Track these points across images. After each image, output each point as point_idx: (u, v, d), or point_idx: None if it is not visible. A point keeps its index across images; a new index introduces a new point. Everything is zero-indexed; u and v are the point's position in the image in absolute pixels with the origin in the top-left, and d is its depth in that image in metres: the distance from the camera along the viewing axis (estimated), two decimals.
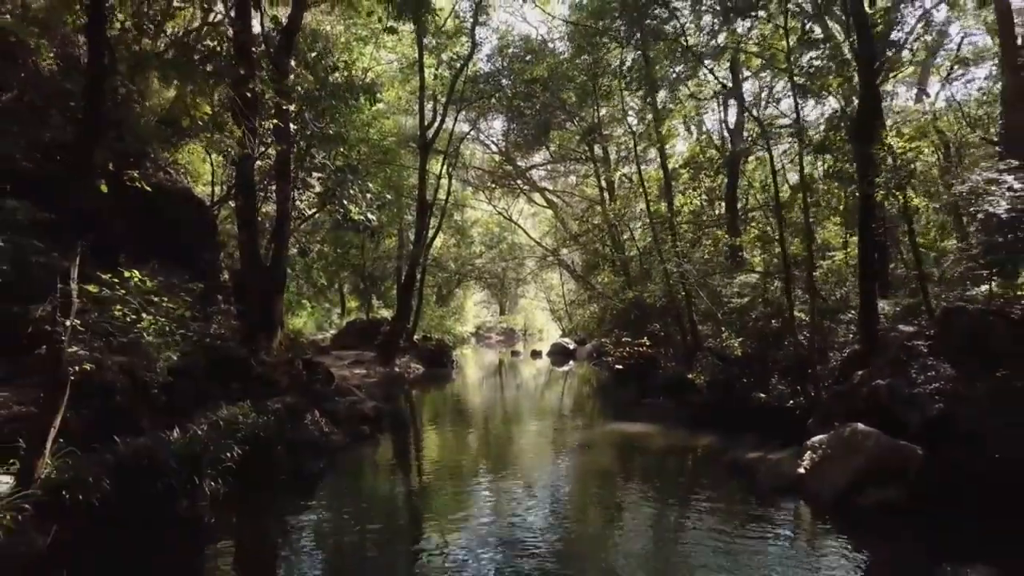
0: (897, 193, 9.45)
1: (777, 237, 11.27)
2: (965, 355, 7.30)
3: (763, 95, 19.30)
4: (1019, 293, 8.51)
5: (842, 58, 10.94)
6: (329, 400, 10.31)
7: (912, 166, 10.27)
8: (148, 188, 6.89)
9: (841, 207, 13.23)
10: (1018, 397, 6.46)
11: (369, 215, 12.71)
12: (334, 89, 12.80)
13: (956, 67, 18.27)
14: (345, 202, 11.99)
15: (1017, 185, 7.31)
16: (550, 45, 22.80)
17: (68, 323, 4.98)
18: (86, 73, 4.72)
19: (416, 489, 8.18)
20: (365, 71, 18.11)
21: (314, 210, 16.70)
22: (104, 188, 5.46)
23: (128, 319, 6.19)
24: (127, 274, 6.13)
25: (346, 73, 12.36)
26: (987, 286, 8.95)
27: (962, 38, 19.30)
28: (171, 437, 6.66)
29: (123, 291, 6.05)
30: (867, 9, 10.38)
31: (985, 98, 17.39)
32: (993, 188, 7.44)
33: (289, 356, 10.37)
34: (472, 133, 26.61)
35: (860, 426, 6.97)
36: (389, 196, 17.10)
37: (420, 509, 7.27)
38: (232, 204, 16.83)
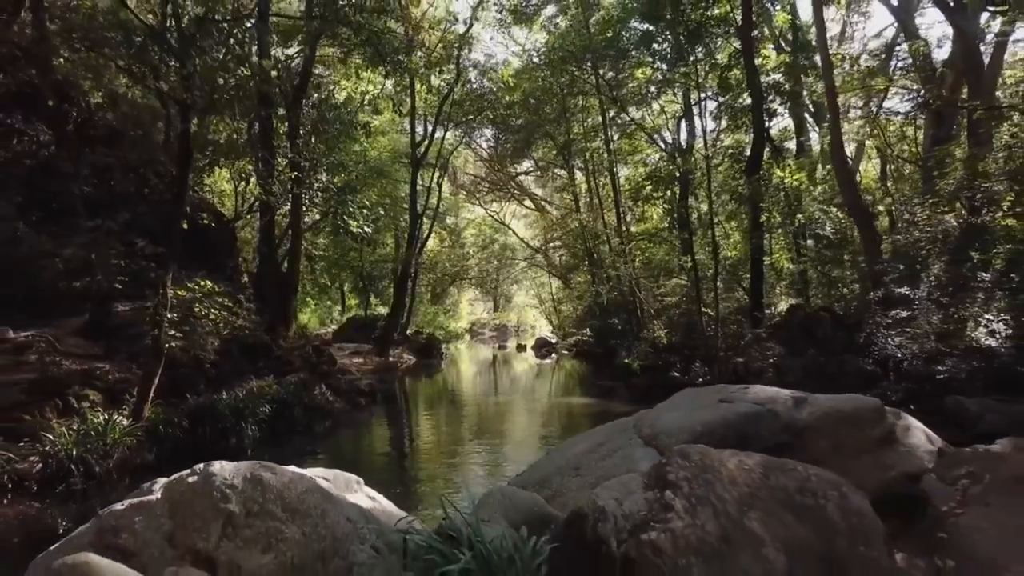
0: (775, 213, 12.16)
1: (696, 246, 14.00)
2: (796, 340, 10.02)
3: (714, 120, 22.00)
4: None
5: (743, 104, 13.66)
6: (332, 377, 13.02)
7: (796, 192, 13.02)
8: (212, 224, 9.61)
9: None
10: (819, 369, 9.18)
11: (366, 228, 15.38)
12: (336, 118, 15.52)
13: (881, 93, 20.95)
14: (346, 218, 14.67)
15: (840, 214, 9.98)
16: (532, 63, 25.40)
17: (167, 315, 7.67)
18: (177, 158, 7.35)
19: (402, 437, 10.93)
20: (364, 93, 20.82)
21: (317, 217, 19.43)
22: (185, 226, 8.17)
23: (203, 313, 8.91)
24: (202, 283, 8.86)
25: (347, 111, 15.09)
26: (845, 289, 11.68)
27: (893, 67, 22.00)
28: (222, 397, 9.39)
29: (200, 294, 8.78)
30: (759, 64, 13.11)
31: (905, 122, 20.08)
32: (822, 216, 10.14)
33: (301, 343, 13.09)
34: (464, 142, 29.25)
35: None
36: (382, 211, 19.80)
37: (404, 448, 10.02)
38: (247, 217, 19.64)
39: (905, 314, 9.64)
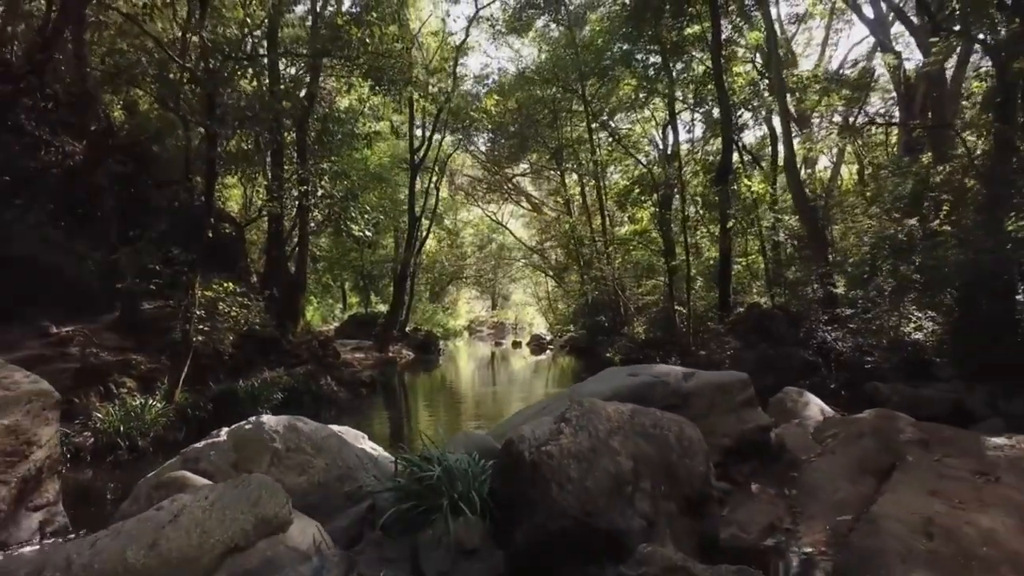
0: (742, 220, 13.34)
1: (676, 250, 15.17)
2: (752, 335, 11.20)
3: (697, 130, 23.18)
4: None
5: (716, 118, 14.81)
6: (336, 370, 14.22)
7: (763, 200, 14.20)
8: (233, 233, 10.79)
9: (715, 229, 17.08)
10: (769, 361, 10.35)
11: (367, 231, 16.56)
12: (339, 128, 16.69)
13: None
14: (348, 222, 15.85)
15: (794, 223, 11.15)
16: (525, 73, 26.58)
17: (195, 312, 8.87)
18: (205, 177, 8.55)
19: (401, 421, 12.15)
20: (363, 102, 22.00)
21: (320, 220, 20.65)
22: (210, 235, 9.37)
23: (225, 310, 10.12)
24: (224, 284, 10.08)
25: (349, 125, 16.27)
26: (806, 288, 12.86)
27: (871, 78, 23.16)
28: (239, 385, 10.58)
29: (224, 294, 9.99)
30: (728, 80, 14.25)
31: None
32: (778, 224, 11.32)
33: (308, 338, 14.29)
34: (461, 146, 30.39)
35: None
36: (382, 214, 20.97)
37: (403, 430, 11.21)
38: (256, 221, 20.84)
39: (850, 311, 10.85)
